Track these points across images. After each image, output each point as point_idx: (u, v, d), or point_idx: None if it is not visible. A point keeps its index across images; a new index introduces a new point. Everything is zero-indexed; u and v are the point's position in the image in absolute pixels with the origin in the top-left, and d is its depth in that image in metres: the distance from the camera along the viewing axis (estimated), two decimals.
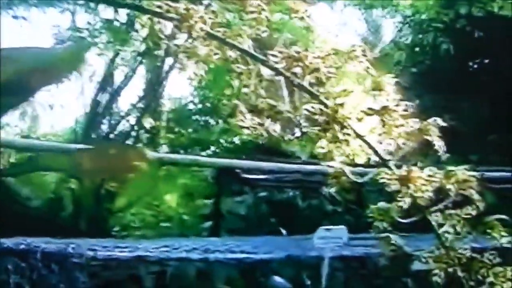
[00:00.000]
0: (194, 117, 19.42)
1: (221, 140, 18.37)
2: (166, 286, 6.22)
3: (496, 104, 16.73)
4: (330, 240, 6.11)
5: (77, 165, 7.51)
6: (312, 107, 2.38)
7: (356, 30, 23.96)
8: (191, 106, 21.02)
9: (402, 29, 19.95)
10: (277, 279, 6.25)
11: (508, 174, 10.24)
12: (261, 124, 2.38)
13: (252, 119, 2.37)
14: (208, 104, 20.33)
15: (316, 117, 2.42)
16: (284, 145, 16.67)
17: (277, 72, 2.42)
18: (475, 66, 18.93)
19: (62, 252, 6.01)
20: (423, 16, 16.81)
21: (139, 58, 11.31)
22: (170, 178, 10.29)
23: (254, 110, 2.49)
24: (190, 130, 18.81)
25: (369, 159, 2.51)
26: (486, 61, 18.37)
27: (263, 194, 11.73)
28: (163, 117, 17.51)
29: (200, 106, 20.69)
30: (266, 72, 2.54)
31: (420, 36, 19.21)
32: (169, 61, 12.13)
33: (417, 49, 19.90)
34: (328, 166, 2.54)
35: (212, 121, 19.37)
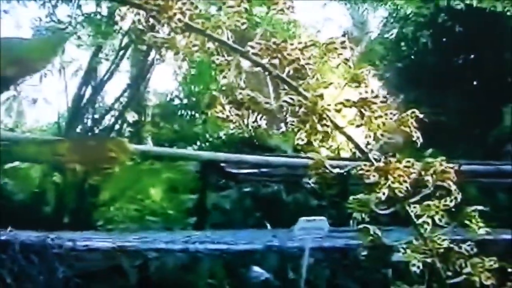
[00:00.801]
0: (179, 112, 19.42)
1: (207, 135, 18.38)
2: (149, 278, 6.23)
3: (479, 98, 16.85)
4: (311, 231, 6.13)
5: (57, 155, 7.49)
6: (291, 99, 2.38)
7: (341, 25, 24.02)
8: (176, 101, 21.00)
9: (387, 24, 20.03)
10: (257, 269, 6.27)
11: (491, 167, 10.33)
12: (240, 115, 2.38)
13: (231, 110, 2.38)
14: (193, 99, 20.31)
15: (295, 108, 2.42)
16: (269, 139, 16.72)
17: (256, 64, 2.43)
18: (460, 61, 19.04)
19: (41, 243, 6.01)
20: (408, 11, 16.88)
21: (122, 52, 11.29)
22: (154, 172, 10.27)
23: (234, 102, 2.49)
24: (175, 125, 18.81)
25: (354, 153, 2.52)
26: (472, 56, 18.48)
27: (248, 188, 11.78)
28: (148, 112, 17.51)
29: (185, 101, 20.67)
30: (246, 64, 2.55)
31: (404, 30, 19.29)
32: (152, 54, 12.11)
33: (402, 43, 19.99)
34: (308, 157, 2.55)
35: (197, 116, 19.37)
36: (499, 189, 10.08)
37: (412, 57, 19.27)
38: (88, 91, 13.06)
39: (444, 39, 18.08)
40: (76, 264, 6.05)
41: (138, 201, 10.21)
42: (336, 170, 2.60)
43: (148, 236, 6.97)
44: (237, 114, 2.37)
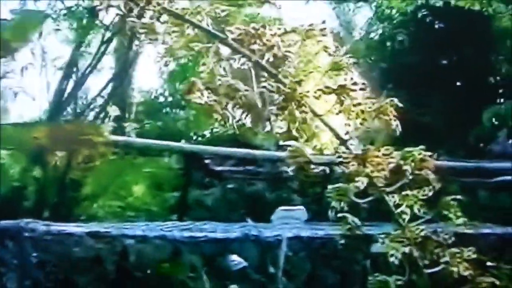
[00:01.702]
0: (164, 110, 19.33)
1: (191, 133, 18.31)
2: (127, 266, 6.18)
3: (462, 99, 16.90)
4: (288, 221, 6.12)
5: (35, 140, 7.44)
6: (270, 85, 2.37)
7: (327, 25, 24.04)
8: (161, 99, 20.91)
9: (371, 23, 20.07)
10: (234, 257, 6.24)
11: (473, 164, 10.38)
12: (217, 101, 2.36)
13: (209, 96, 2.36)
14: (178, 97, 20.23)
15: (274, 95, 2.41)
16: (254, 138, 16.67)
17: (235, 50, 2.41)
18: (444, 61, 19.09)
19: (15, 227, 5.97)
20: (393, 11, 16.93)
21: (104, 46, 11.22)
22: (136, 167, 10.18)
23: (212, 88, 2.47)
24: (159, 122, 18.71)
25: (336, 151, 2.50)
26: (455, 57, 18.54)
27: (231, 186, 11.72)
28: (132, 109, 17.39)
29: (170, 99, 20.59)
30: (226, 50, 2.53)
31: (388, 30, 19.33)
32: (135, 48, 12.02)
33: (387, 43, 20.03)
34: (287, 145, 2.53)
35: (182, 114, 19.26)
36: (481, 188, 10.15)
37: (396, 57, 19.32)
38: (70, 85, 12.97)
39: (427, 39, 18.12)
40: (51, 249, 6.00)
41: (121, 198, 10.12)
42: (320, 168, 2.59)
43: (125, 224, 6.91)
44: (214, 100, 2.36)
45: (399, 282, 2.62)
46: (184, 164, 10.37)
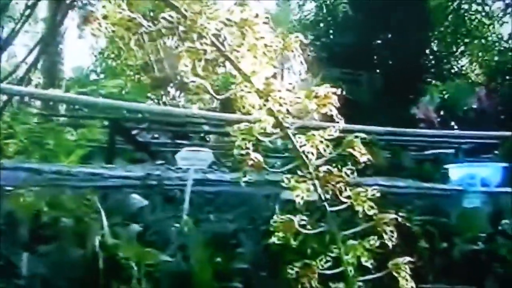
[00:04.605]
0: (95, 87, 19.07)
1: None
2: None
3: (392, 78, 17.20)
4: (194, 162, 6.06)
5: None
6: (170, 16, 2.30)
7: (264, 7, 24.07)
8: (93, 76, 20.63)
9: (306, 3, 20.20)
10: (136, 196, 6.18)
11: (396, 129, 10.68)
12: (118, 35, 2.29)
13: (107, 28, 2.28)
14: (110, 75, 20.01)
15: (174, 28, 2.35)
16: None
17: None
18: (379, 41, 19.34)
19: None
20: None
21: (28, 11, 10.90)
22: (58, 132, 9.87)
23: (115, 21, 2.40)
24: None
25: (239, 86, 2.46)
26: (389, 35, 18.80)
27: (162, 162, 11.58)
28: (62, 84, 17.10)
29: (102, 76, 20.36)
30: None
31: (325, 10, 19.46)
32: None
33: (321, 24, 20.17)
34: (191, 81, 2.47)
35: (115, 91, 19.08)
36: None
37: (331, 36, 19.47)
38: None
39: (361, 18, 18.33)
40: None
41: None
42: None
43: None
44: (113, 31, 2.29)
45: (303, 222, 2.60)
46: (109, 135, 10.11)
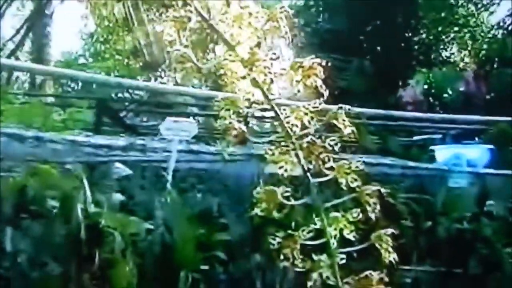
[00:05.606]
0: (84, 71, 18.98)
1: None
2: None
3: (381, 64, 17.20)
4: (178, 132, 6.04)
5: None
6: None
7: None
8: (81, 60, 20.52)
9: None
10: (119, 165, 6.16)
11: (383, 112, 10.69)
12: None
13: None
14: (99, 59, 19.92)
15: None
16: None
17: None
18: (368, 28, 19.31)
19: None
20: None
21: None
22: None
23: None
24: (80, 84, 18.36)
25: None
26: (378, 22, 18.77)
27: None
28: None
29: (91, 60, 20.26)
30: None
31: None
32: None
33: (312, 9, 20.13)
34: (175, 50, 2.46)
35: (103, 75, 19.01)
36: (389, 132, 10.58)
37: (320, 22, 19.45)
38: None
39: (352, 4, 18.30)
40: None
41: None
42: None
43: None
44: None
45: (286, 194, 2.59)
46: (95, 117, 10.04)
